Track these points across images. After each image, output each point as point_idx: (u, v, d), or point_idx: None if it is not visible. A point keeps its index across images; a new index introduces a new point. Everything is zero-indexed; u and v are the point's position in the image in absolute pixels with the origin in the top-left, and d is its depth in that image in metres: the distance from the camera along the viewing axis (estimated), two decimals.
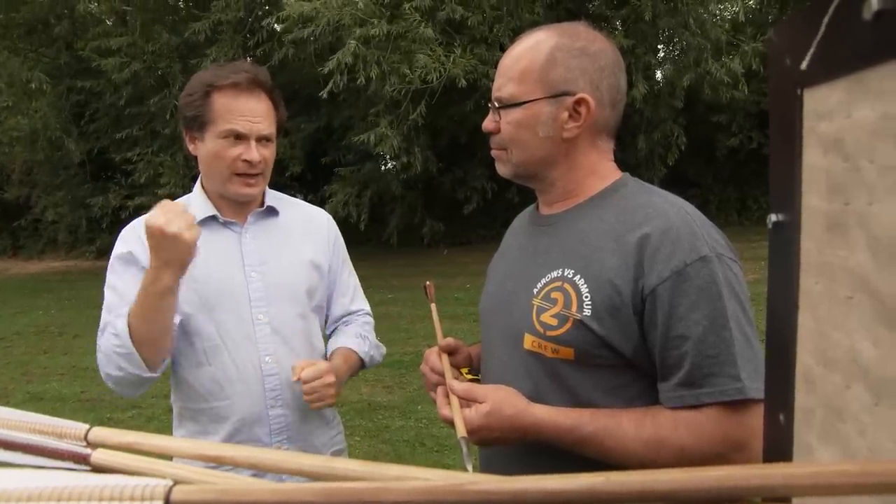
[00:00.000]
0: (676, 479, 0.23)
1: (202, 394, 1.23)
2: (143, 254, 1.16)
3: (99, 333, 1.18)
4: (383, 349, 1.44)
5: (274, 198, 1.34)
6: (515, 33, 7.35)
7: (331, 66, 6.64)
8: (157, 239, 1.03)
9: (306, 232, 1.34)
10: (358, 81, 6.76)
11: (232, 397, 1.22)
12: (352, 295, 1.42)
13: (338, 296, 1.40)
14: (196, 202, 1.28)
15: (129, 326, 1.10)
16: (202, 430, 1.25)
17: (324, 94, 6.92)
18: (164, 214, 1.03)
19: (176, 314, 1.15)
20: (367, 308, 1.45)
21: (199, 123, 1.20)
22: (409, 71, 6.71)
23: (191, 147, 1.25)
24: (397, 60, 6.83)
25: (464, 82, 6.72)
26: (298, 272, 1.30)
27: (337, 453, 1.37)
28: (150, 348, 1.11)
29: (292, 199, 1.41)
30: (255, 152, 1.19)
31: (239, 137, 1.19)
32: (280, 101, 1.26)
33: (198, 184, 1.31)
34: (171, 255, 1.04)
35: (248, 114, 1.19)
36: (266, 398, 1.23)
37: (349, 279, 1.42)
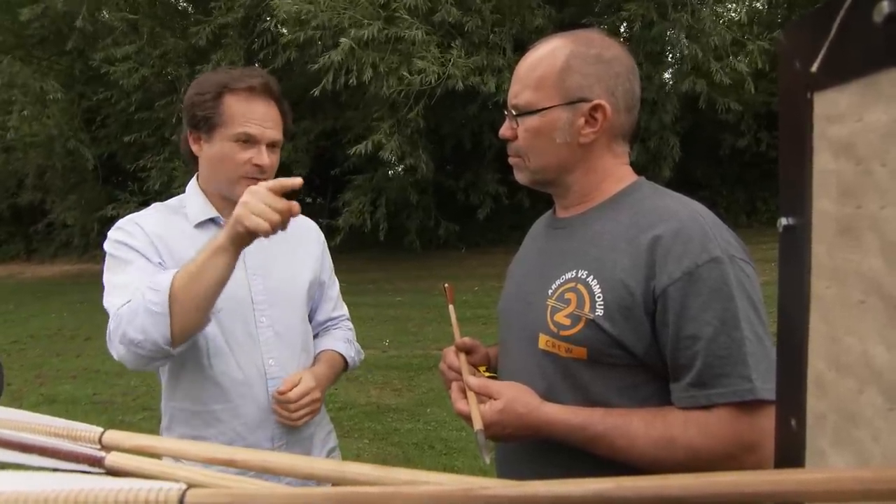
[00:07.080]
0: (688, 485, 0.23)
1: (201, 396, 1.20)
2: (146, 245, 1.16)
3: (119, 304, 1.07)
4: (363, 354, 1.48)
5: None
6: (516, 38, 7.31)
7: (322, 64, 6.61)
8: (237, 223, 0.98)
9: (300, 240, 1.36)
10: (349, 82, 6.71)
11: (235, 400, 1.20)
12: (335, 302, 1.45)
13: (324, 302, 1.42)
14: (194, 203, 1.25)
15: (173, 282, 1.01)
16: (194, 434, 1.21)
17: (315, 91, 6.85)
18: (254, 204, 0.98)
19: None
20: (347, 314, 1.49)
21: (208, 124, 1.18)
22: (407, 73, 6.69)
23: (194, 147, 1.22)
24: (395, 62, 6.80)
25: (461, 85, 6.64)
26: (298, 277, 1.31)
27: (331, 451, 1.38)
28: (184, 314, 1.01)
29: None
30: (265, 157, 1.19)
31: (250, 141, 1.18)
32: (287, 111, 1.26)
33: (192, 185, 1.28)
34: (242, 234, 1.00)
35: (262, 118, 1.19)
36: (269, 401, 1.22)
37: (333, 287, 1.46)
